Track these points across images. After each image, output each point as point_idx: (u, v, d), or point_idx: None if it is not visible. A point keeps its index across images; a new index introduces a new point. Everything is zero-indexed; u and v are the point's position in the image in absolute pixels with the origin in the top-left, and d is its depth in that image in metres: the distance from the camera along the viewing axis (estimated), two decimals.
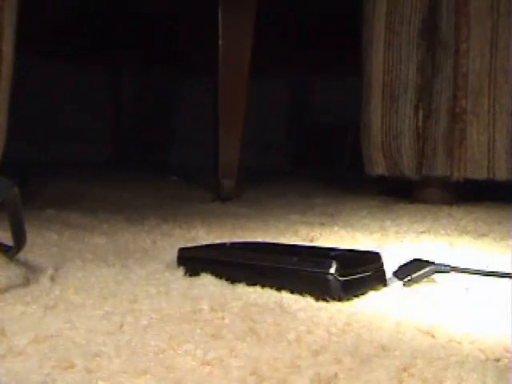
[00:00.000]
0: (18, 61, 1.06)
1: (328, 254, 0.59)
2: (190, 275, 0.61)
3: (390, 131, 1.29)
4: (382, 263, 0.61)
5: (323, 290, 0.54)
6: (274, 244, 0.73)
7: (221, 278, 0.59)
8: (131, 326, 0.46)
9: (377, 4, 1.30)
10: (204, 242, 0.81)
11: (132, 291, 0.55)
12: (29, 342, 0.42)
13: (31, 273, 0.60)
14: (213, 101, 1.53)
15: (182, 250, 0.66)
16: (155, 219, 0.98)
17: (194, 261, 0.63)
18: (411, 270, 0.62)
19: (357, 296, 0.56)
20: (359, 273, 0.57)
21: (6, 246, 0.64)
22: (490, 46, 1.21)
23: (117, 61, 2.47)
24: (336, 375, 0.38)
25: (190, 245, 0.79)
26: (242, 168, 1.35)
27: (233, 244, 0.69)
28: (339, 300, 0.54)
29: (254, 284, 0.57)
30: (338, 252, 0.61)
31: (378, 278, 0.60)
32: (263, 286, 0.57)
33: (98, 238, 0.81)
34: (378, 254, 0.62)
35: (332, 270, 0.54)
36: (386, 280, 0.60)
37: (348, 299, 0.55)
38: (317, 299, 0.54)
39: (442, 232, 0.94)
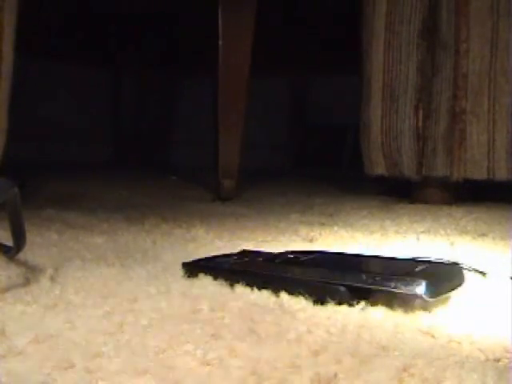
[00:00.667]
0: (18, 61, 1.06)
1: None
2: (189, 276, 0.61)
3: (390, 131, 1.29)
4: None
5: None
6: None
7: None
8: (131, 326, 0.46)
9: (377, 4, 1.30)
10: (204, 242, 0.81)
11: (132, 291, 0.55)
12: (29, 342, 0.42)
13: (31, 273, 0.60)
14: (213, 101, 1.53)
15: (186, 265, 0.62)
16: (155, 219, 0.98)
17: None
18: None
19: None
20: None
21: (5, 246, 0.64)
22: (490, 46, 1.21)
23: (117, 61, 2.47)
24: (336, 375, 0.38)
25: (189, 245, 0.79)
26: (242, 168, 1.35)
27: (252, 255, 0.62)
28: None
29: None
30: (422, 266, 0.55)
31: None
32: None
33: (97, 238, 0.81)
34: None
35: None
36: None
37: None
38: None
39: (442, 232, 0.94)
